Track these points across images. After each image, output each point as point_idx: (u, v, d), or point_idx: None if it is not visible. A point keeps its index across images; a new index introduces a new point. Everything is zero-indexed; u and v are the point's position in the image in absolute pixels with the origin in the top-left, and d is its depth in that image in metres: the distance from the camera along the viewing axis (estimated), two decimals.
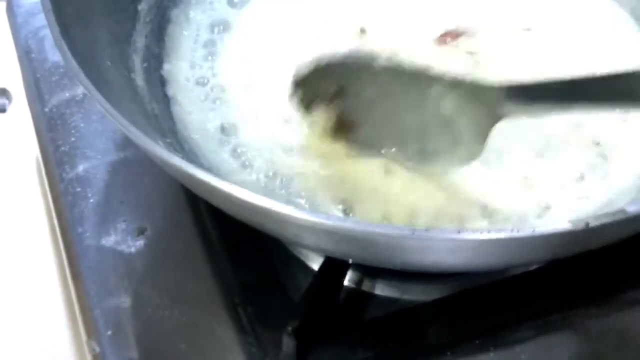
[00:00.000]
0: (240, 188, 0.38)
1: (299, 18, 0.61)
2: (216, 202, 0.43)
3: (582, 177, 0.52)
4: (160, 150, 0.41)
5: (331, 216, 0.38)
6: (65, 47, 0.45)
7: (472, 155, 0.50)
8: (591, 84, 0.46)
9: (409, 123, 0.51)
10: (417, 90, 0.50)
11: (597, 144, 0.54)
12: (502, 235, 0.38)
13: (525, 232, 0.38)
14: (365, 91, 0.51)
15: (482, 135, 0.49)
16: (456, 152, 0.51)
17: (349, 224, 0.38)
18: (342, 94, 0.51)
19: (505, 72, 0.54)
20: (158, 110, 0.53)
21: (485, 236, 0.38)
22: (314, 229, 0.39)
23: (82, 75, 0.44)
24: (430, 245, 0.39)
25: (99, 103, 0.42)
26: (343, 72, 0.51)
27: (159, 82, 0.56)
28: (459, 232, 0.38)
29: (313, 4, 0.62)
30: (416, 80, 0.50)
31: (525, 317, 0.51)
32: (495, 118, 0.49)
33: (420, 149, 0.51)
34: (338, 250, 0.44)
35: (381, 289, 0.53)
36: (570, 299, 0.52)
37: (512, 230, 0.38)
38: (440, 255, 0.41)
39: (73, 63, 0.44)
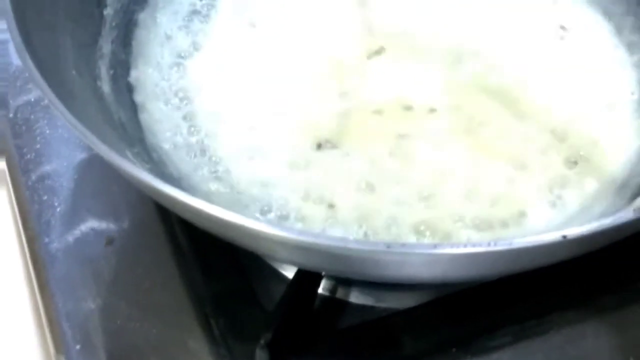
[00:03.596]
0: (211, 204, 0.37)
1: (268, 21, 0.60)
2: (186, 217, 0.42)
3: (556, 184, 0.52)
4: (127, 165, 0.39)
5: (304, 232, 0.37)
6: (27, 56, 0.44)
7: None
8: None
9: None
10: None
11: (571, 147, 0.54)
12: (478, 249, 0.37)
13: (502, 245, 0.37)
14: None
15: None
16: None
17: (322, 240, 0.37)
18: None
19: None
20: (125, 118, 0.52)
21: (461, 250, 0.37)
22: (286, 244, 0.38)
23: (45, 86, 0.42)
24: (406, 260, 0.38)
25: (62, 116, 0.41)
26: None
27: (126, 90, 0.54)
28: (435, 246, 0.37)
29: (282, 10, 0.61)
30: None
31: (501, 324, 0.51)
32: None
33: None
34: (312, 264, 0.43)
35: (356, 297, 0.52)
36: (546, 305, 0.52)
37: (489, 244, 0.37)
38: (416, 269, 0.40)
39: (36, 73, 0.43)
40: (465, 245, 0.37)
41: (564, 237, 0.37)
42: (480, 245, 0.37)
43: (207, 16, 0.61)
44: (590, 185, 0.52)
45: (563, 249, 0.39)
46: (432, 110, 0.55)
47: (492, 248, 0.37)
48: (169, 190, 0.39)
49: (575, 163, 0.53)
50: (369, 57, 0.59)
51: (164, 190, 0.39)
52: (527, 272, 0.51)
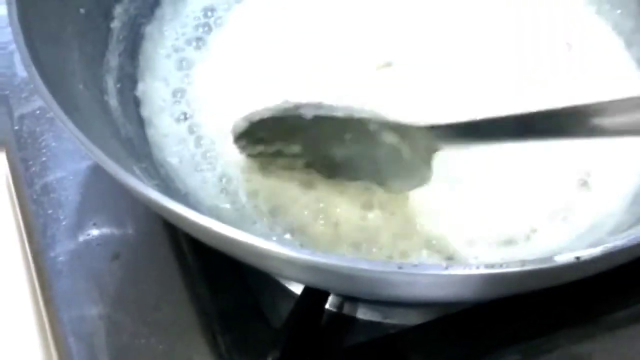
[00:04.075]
0: (218, 222, 0.37)
1: (274, 37, 0.60)
2: (193, 234, 0.42)
3: (567, 200, 0.51)
4: (134, 182, 0.39)
5: (313, 252, 0.36)
6: (34, 68, 0.43)
7: (423, 180, 0.51)
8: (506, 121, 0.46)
9: (356, 155, 0.51)
10: (353, 129, 0.50)
11: (582, 167, 0.53)
12: (490, 271, 0.36)
13: (514, 267, 0.36)
14: (308, 134, 0.50)
15: (426, 162, 0.50)
16: (408, 176, 0.51)
17: (332, 260, 0.36)
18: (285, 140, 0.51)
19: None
20: (132, 133, 0.52)
21: (473, 272, 0.36)
22: (295, 264, 0.37)
23: (51, 100, 0.42)
24: (417, 281, 0.38)
25: (69, 131, 0.41)
26: (279, 124, 0.50)
27: (133, 104, 0.54)
28: (446, 267, 0.37)
29: (288, 26, 0.61)
30: (349, 122, 0.49)
31: (509, 341, 0.50)
32: (432, 149, 0.49)
33: (376, 174, 0.51)
34: (322, 283, 0.43)
35: (363, 313, 0.52)
36: (555, 322, 0.51)
37: (501, 266, 0.36)
38: (427, 289, 0.39)
39: (42, 86, 0.42)
40: (477, 267, 0.36)
41: (577, 258, 0.37)
42: (492, 267, 0.36)
43: (214, 29, 0.60)
44: (601, 202, 0.52)
45: (576, 270, 0.38)
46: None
47: (504, 270, 0.36)
48: (176, 207, 0.38)
49: (586, 179, 0.53)
50: (378, 69, 0.58)
51: (171, 208, 0.38)
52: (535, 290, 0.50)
